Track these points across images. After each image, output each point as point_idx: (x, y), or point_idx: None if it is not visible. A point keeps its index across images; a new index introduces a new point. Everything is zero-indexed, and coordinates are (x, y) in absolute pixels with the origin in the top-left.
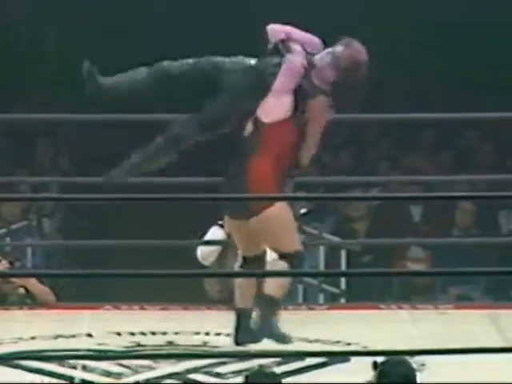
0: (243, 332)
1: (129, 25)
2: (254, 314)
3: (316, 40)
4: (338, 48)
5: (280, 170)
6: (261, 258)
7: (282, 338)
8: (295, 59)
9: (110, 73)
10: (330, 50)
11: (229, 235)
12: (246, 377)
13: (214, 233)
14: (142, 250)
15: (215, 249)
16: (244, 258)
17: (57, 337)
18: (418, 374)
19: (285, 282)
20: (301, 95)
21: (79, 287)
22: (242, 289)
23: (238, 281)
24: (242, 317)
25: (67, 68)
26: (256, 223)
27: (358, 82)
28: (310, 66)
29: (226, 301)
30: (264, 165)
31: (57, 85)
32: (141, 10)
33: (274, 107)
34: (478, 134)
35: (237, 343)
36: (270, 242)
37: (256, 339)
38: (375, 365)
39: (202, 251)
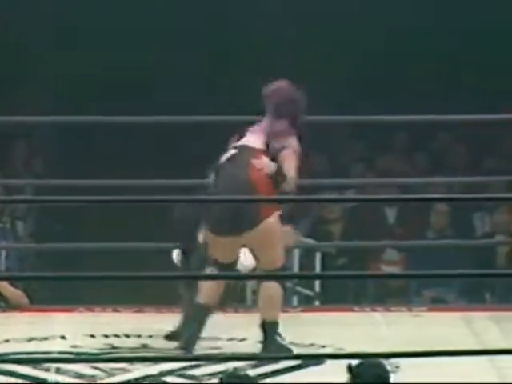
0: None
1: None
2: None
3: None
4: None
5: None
6: (232, 267)
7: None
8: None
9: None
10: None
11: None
12: (221, 379)
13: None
14: (115, 253)
15: None
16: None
17: (30, 339)
18: (392, 375)
19: (278, 302)
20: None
21: (52, 290)
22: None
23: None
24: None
25: (46, 69)
26: (258, 233)
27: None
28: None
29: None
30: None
31: (33, 87)
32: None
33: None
34: (451, 135)
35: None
36: (266, 255)
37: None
38: (350, 368)
39: (177, 253)
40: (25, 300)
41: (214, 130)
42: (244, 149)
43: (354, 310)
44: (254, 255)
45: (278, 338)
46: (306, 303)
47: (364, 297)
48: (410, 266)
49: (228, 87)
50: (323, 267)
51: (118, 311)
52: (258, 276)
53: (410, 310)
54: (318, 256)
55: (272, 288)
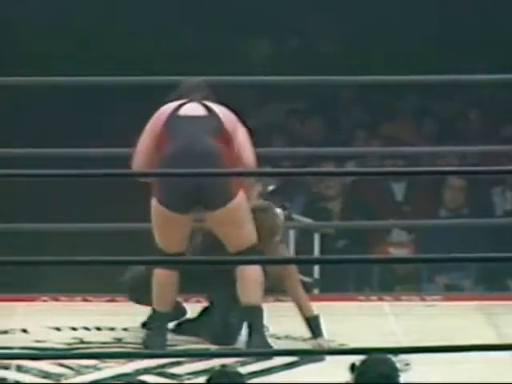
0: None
1: None
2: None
3: None
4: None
5: None
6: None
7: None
8: None
9: None
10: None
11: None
12: (209, 378)
13: None
14: (84, 234)
15: None
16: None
17: None
18: (401, 374)
19: (259, 283)
20: None
21: (12, 276)
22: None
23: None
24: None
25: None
26: (227, 212)
27: None
28: None
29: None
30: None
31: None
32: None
33: None
34: (465, 99)
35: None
36: (235, 235)
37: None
38: (353, 367)
39: None
40: None
41: None
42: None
43: (357, 300)
44: (215, 236)
45: (263, 329)
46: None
47: (369, 284)
48: (420, 249)
49: None
50: (322, 250)
51: (87, 301)
52: (251, 261)
53: (421, 299)
54: (316, 237)
55: (249, 268)
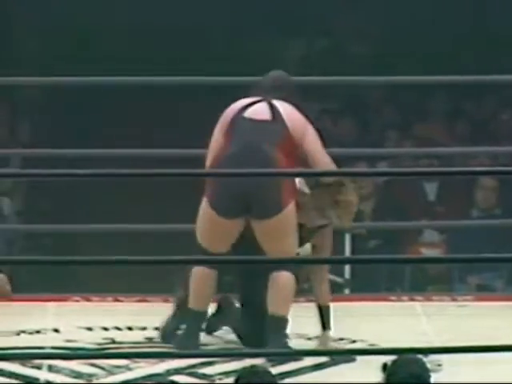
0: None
1: None
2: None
3: None
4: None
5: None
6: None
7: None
8: None
9: None
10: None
11: None
12: (237, 377)
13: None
14: (115, 235)
15: None
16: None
17: (19, 333)
18: (432, 374)
19: (290, 294)
20: None
21: (43, 276)
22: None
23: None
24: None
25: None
26: (273, 223)
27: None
28: None
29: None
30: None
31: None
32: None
33: None
34: (497, 99)
35: None
36: (278, 247)
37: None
38: (385, 367)
39: None
40: (7, 287)
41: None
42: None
43: (388, 300)
44: (259, 247)
45: (286, 338)
46: (335, 291)
47: (400, 284)
48: (452, 249)
49: None
50: (353, 250)
51: (119, 301)
52: (278, 260)
53: (453, 300)
54: (348, 238)
55: (284, 277)
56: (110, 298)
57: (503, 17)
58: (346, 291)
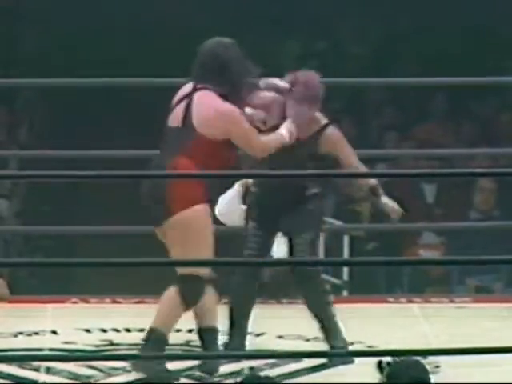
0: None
1: None
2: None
3: None
4: None
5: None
6: None
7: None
8: None
9: None
10: None
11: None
12: (241, 382)
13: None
14: (112, 237)
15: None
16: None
17: (16, 334)
18: (431, 376)
19: (167, 309)
20: None
21: (41, 278)
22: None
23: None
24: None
25: None
26: (171, 226)
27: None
28: None
29: None
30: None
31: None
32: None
33: None
34: (497, 101)
35: None
36: (179, 254)
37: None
38: (380, 365)
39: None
40: (5, 291)
41: None
42: None
43: (387, 301)
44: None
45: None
46: (333, 293)
47: (399, 286)
48: (450, 251)
49: None
50: (352, 252)
51: (117, 302)
52: (282, 261)
53: (451, 301)
54: (346, 240)
55: (171, 292)
56: (108, 300)
57: (503, 17)
58: (345, 293)
